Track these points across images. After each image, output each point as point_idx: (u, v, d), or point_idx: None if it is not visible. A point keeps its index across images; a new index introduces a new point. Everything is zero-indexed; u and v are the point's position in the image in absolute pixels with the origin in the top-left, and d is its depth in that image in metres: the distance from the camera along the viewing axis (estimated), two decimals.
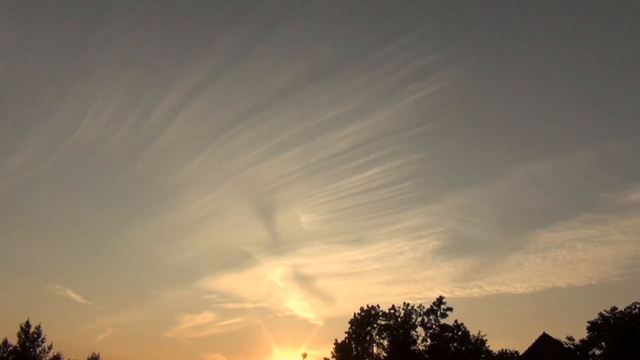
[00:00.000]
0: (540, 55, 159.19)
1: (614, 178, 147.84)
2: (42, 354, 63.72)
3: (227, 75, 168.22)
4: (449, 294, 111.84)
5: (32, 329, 63.92)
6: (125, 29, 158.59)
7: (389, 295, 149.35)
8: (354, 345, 67.63)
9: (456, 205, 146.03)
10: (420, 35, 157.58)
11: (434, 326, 66.71)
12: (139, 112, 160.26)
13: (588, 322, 63.12)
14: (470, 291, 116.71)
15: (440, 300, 67.75)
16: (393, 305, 69.15)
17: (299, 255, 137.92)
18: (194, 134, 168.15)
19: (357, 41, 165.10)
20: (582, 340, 62.14)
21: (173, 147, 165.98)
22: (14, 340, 63.04)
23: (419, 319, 67.50)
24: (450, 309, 67.19)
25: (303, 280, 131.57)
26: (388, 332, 67.58)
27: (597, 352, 61.63)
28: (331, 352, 68.29)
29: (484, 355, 68.87)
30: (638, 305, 59.30)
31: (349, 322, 69.32)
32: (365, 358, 67.24)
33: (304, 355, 70.30)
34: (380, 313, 68.88)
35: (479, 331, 70.99)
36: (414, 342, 66.22)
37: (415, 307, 68.30)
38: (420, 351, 65.93)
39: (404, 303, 68.98)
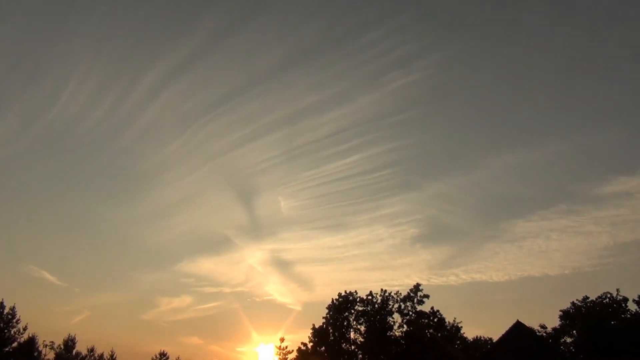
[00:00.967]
0: (520, 47, 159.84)
1: (589, 170, 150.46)
2: (16, 335, 62.87)
3: (208, 57, 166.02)
4: (426, 281, 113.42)
5: (6, 310, 62.90)
6: (105, 5, 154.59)
7: (367, 282, 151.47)
8: (331, 331, 68.21)
9: (435, 194, 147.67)
10: (404, 22, 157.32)
11: (410, 313, 67.56)
12: (119, 91, 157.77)
13: (560, 310, 64.26)
14: (447, 279, 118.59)
15: (417, 288, 68.53)
16: (371, 292, 69.95)
17: (279, 240, 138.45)
18: (174, 115, 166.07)
19: (341, 26, 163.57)
20: (554, 329, 63.19)
21: (153, 129, 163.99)
22: None
23: (396, 305, 68.31)
24: (427, 296, 68.12)
25: (282, 265, 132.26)
26: (365, 318, 68.23)
27: (569, 339, 62.90)
28: (308, 337, 68.90)
29: (458, 342, 70.05)
30: (609, 295, 60.40)
31: (327, 308, 69.91)
32: (343, 343, 67.88)
33: (282, 340, 70.97)
34: (358, 299, 69.50)
35: (455, 318, 72.52)
36: (391, 328, 67.04)
37: (392, 294, 69.18)
38: (397, 337, 66.81)
39: (382, 290, 69.90)
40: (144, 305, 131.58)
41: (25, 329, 63.55)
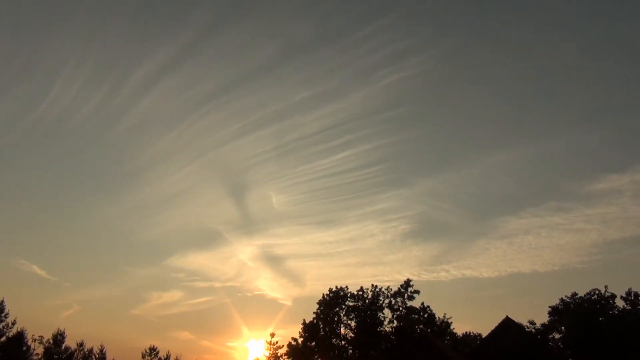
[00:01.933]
0: (512, 46, 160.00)
1: (580, 168, 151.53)
2: (5, 329, 62.74)
3: (201, 52, 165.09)
4: (417, 277, 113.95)
5: None
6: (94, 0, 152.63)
7: (357, 277, 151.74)
8: (321, 326, 68.19)
9: (426, 190, 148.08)
10: (396, 19, 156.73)
11: (400, 308, 67.63)
12: (109, 87, 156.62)
13: (549, 306, 64.72)
14: (437, 275, 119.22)
15: (407, 283, 68.59)
16: (361, 287, 69.92)
17: (270, 235, 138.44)
18: (165, 110, 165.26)
19: (333, 22, 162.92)
20: (543, 325, 63.62)
21: (144, 124, 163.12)
22: None
23: (387, 301, 68.30)
24: (417, 292, 68.13)
25: (273, 260, 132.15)
26: (356, 313, 68.25)
27: (557, 335, 63.30)
28: (299, 332, 68.77)
29: (448, 337, 70.37)
30: (597, 292, 60.82)
31: (318, 303, 69.82)
32: (333, 338, 67.93)
33: (272, 335, 71.00)
34: (349, 294, 69.48)
35: (445, 314, 72.92)
36: (381, 323, 67.06)
37: (383, 290, 69.14)
38: (387, 332, 66.89)
39: (372, 285, 69.78)
40: (134, 299, 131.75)
41: (14, 323, 63.46)
